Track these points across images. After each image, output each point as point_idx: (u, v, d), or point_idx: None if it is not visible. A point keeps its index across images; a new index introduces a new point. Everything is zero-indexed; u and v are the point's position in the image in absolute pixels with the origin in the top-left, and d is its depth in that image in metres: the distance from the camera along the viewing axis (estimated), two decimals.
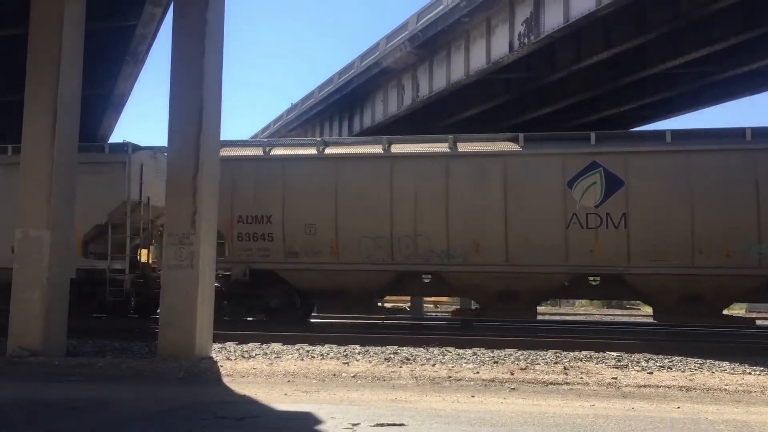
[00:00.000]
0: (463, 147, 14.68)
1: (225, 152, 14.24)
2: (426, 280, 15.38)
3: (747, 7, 16.09)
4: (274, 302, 15.35)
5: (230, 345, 11.23)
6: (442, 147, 14.76)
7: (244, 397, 7.27)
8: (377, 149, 15.01)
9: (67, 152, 10.40)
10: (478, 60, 19.48)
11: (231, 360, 9.86)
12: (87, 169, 15.34)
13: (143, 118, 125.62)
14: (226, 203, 14.46)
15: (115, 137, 32.59)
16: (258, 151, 15.79)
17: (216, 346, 10.78)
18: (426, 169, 14.64)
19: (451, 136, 14.96)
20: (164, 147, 17.61)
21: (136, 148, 16.28)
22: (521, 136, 14.49)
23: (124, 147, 16.46)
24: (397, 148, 14.94)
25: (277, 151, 15.70)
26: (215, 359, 9.78)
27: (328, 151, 15.25)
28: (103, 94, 20.62)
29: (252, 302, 15.57)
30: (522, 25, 17.71)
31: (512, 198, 14.08)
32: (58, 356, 9.83)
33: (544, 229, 13.93)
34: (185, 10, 10.37)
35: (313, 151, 15.31)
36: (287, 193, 14.98)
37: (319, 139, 15.95)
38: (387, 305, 19.51)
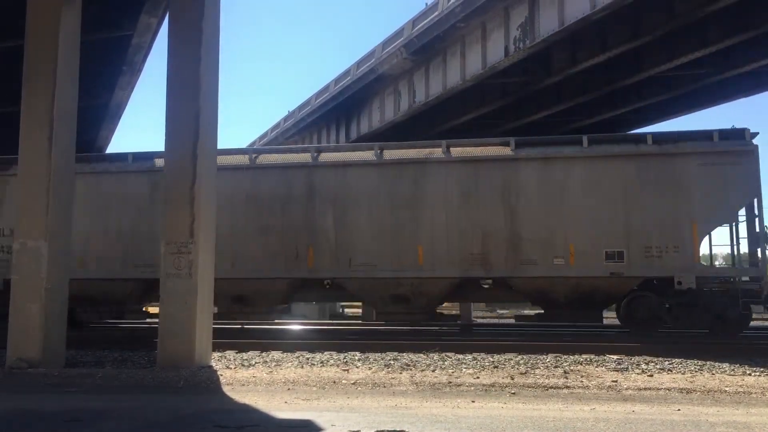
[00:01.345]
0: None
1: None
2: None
3: (741, 9, 16.15)
4: None
5: (230, 353, 11.23)
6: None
7: (244, 405, 7.25)
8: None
9: (65, 163, 10.41)
10: (473, 65, 19.53)
11: (231, 368, 9.84)
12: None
13: (141, 127, 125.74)
14: None
15: (113, 147, 32.84)
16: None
17: (216, 354, 10.78)
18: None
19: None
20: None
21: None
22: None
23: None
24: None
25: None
26: (215, 368, 9.77)
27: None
28: (100, 104, 20.66)
29: None
30: (517, 29, 17.77)
31: None
32: (58, 367, 9.81)
33: None
34: (181, 19, 10.40)
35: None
36: None
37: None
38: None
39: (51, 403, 7.43)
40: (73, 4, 10.64)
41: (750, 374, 9.06)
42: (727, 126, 14.52)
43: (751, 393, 7.82)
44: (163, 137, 10.26)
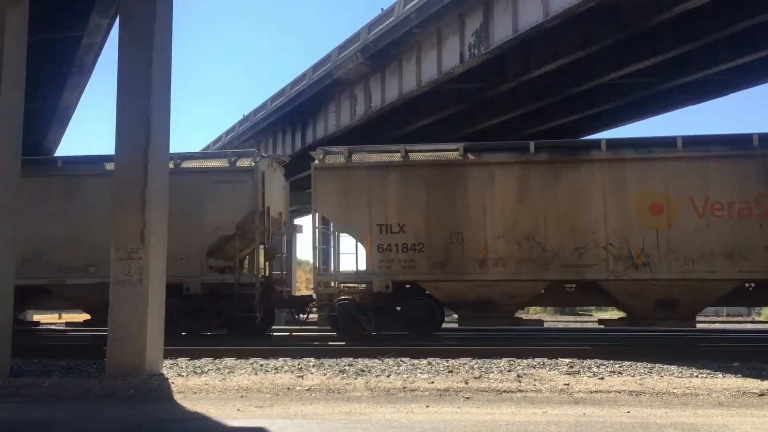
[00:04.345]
0: None
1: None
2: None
3: (685, 21, 16.58)
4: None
5: (182, 361, 11.05)
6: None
7: (195, 414, 7.14)
8: None
9: (9, 167, 10.12)
10: (429, 71, 19.62)
11: (182, 376, 9.68)
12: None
13: (91, 131, 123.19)
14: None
15: (61, 150, 31.65)
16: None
17: (167, 362, 10.59)
18: None
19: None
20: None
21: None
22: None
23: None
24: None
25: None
26: (166, 376, 9.59)
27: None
28: (48, 106, 20.18)
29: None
30: (472, 36, 17.92)
31: None
32: (2, 377, 9.53)
33: None
34: (132, 20, 10.21)
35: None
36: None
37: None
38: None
39: None
40: (19, 3, 10.35)
41: (697, 376, 9.29)
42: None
43: (698, 395, 8.02)
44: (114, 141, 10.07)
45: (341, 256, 16.15)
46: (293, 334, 16.48)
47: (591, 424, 6.33)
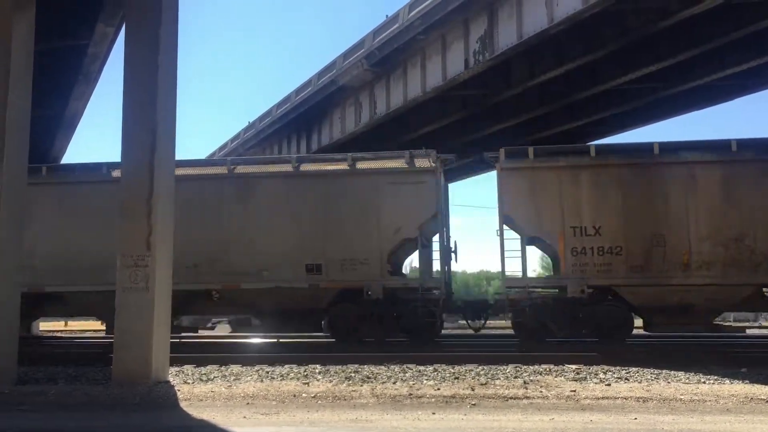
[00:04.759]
0: None
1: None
2: None
3: (692, 26, 16.57)
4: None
5: (188, 368, 11.04)
6: None
7: (201, 421, 7.13)
8: None
9: (16, 175, 10.14)
10: (434, 77, 19.65)
11: (188, 383, 9.67)
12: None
13: (98, 137, 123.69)
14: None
15: (68, 158, 31.83)
16: None
17: (173, 369, 10.58)
18: None
19: None
20: None
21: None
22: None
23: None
24: None
25: None
26: (172, 383, 9.59)
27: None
28: (54, 114, 20.26)
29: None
30: (477, 42, 17.95)
31: None
32: (8, 385, 9.52)
33: None
34: (138, 29, 10.26)
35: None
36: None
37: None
38: None
39: (0, 423, 7.20)
40: (25, 12, 10.40)
41: (705, 382, 9.24)
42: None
43: (706, 401, 7.97)
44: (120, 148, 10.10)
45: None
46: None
47: (598, 430, 6.30)
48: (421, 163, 15.39)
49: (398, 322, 14.93)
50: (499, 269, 15.26)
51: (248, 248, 15.36)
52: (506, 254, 14.84)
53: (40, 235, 15.60)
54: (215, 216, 15.57)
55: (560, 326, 14.32)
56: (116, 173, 14.46)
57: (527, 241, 14.80)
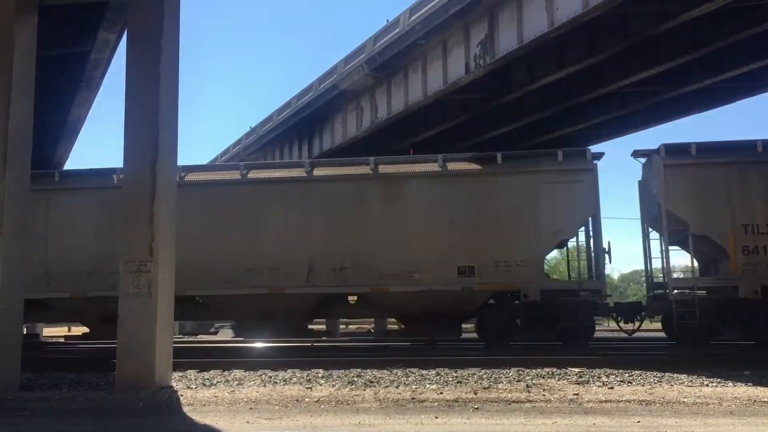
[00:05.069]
0: None
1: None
2: None
3: (692, 29, 16.60)
4: None
5: (191, 373, 11.06)
6: None
7: (205, 426, 7.14)
8: None
9: (20, 182, 10.18)
10: (435, 81, 19.68)
11: (192, 389, 9.68)
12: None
13: (101, 143, 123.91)
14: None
15: (70, 164, 32.01)
16: None
17: (176, 374, 10.60)
18: None
19: None
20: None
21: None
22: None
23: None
24: None
25: None
26: (175, 388, 9.61)
27: None
28: (57, 121, 20.29)
29: None
30: (477, 46, 17.98)
31: None
32: (12, 391, 9.54)
33: None
34: (139, 35, 10.30)
35: None
36: None
37: None
38: None
39: (3, 429, 7.22)
40: (28, 19, 10.46)
41: (708, 385, 9.24)
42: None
43: (709, 404, 7.96)
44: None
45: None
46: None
47: None
48: (578, 162, 15.14)
49: (553, 324, 14.67)
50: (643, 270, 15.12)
51: (397, 251, 15.07)
52: (653, 254, 14.99)
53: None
54: (359, 218, 15.30)
55: (731, 328, 14.06)
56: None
57: (675, 241, 14.64)
